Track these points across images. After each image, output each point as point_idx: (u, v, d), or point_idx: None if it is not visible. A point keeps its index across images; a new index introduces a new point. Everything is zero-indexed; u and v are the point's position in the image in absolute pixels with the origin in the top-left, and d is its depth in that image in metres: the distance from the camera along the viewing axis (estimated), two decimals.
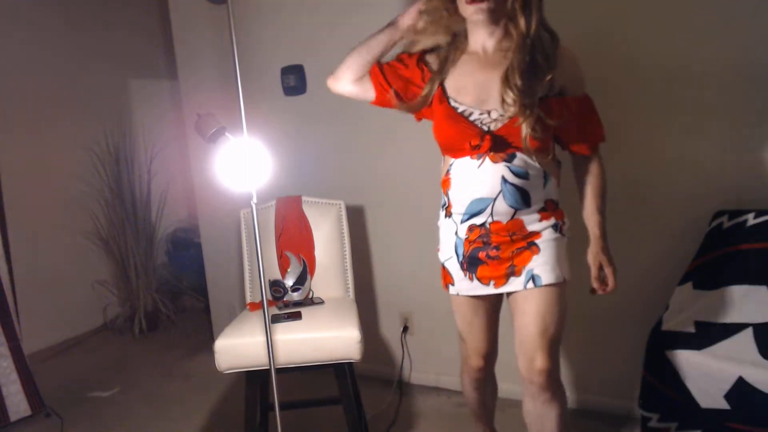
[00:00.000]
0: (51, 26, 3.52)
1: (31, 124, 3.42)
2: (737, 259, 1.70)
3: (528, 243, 1.45)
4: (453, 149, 1.45)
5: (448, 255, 1.55)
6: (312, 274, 2.21)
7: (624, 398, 2.19)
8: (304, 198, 2.32)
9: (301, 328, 1.89)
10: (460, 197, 1.45)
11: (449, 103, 1.44)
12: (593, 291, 1.53)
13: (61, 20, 3.58)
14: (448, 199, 1.51)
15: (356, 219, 2.62)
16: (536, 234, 1.45)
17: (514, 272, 1.46)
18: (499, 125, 1.39)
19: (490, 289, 1.50)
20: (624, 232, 2.12)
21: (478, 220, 1.45)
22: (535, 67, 1.36)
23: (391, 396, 2.54)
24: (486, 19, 1.37)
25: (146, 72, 4.09)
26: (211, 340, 2.50)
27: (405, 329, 2.65)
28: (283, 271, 2.18)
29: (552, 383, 1.47)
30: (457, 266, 1.53)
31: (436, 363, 2.61)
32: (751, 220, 1.75)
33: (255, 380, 1.87)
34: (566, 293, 1.49)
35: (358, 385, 2.14)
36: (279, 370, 1.77)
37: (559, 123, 1.38)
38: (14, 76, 3.33)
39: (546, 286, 1.44)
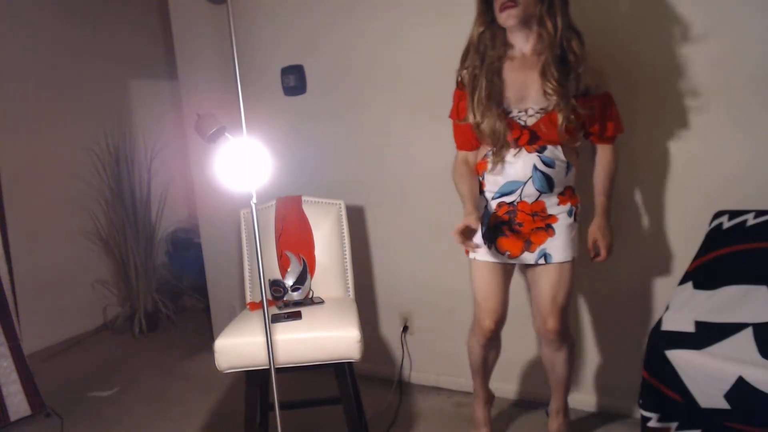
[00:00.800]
0: (51, 26, 3.52)
1: (31, 124, 3.42)
2: (737, 259, 1.69)
3: (546, 225, 1.74)
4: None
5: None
6: (312, 274, 2.21)
7: (624, 398, 2.19)
8: (304, 198, 2.32)
9: (301, 328, 1.89)
10: (496, 178, 1.74)
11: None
12: (592, 259, 1.86)
13: (61, 20, 3.58)
14: (483, 179, 1.80)
15: (356, 219, 2.62)
16: (553, 217, 1.74)
17: (529, 248, 1.76)
18: (534, 121, 1.67)
19: (505, 259, 1.80)
20: (624, 231, 2.12)
21: (508, 199, 1.75)
22: (566, 63, 1.58)
23: (391, 396, 2.54)
24: (517, 23, 1.59)
25: (146, 72, 4.09)
26: (211, 340, 2.50)
27: (405, 329, 2.65)
28: (283, 271, 2.18)
29: (560, 338, 1.82)
30: (480, 235, 1.72)
31: (436, 363, 2.61)
32: (751, 220, 1.75)
33: (255, 380, 1.87)
34: (575, 268, 1.80)
35: (358, 385, 2.14)
36: (279, 370, 1.77)
37: (589, 114, 1.65)
38: (14, 76, 3.33)
39: (557, 263, 1.75)
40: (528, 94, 1.66)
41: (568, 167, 1.73)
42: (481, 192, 1.80)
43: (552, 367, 1.93)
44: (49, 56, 3.50)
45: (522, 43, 1.66)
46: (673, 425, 1.56)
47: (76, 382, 2.99)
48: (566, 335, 1.85)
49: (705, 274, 1.71)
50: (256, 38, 2.72)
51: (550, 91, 1.57)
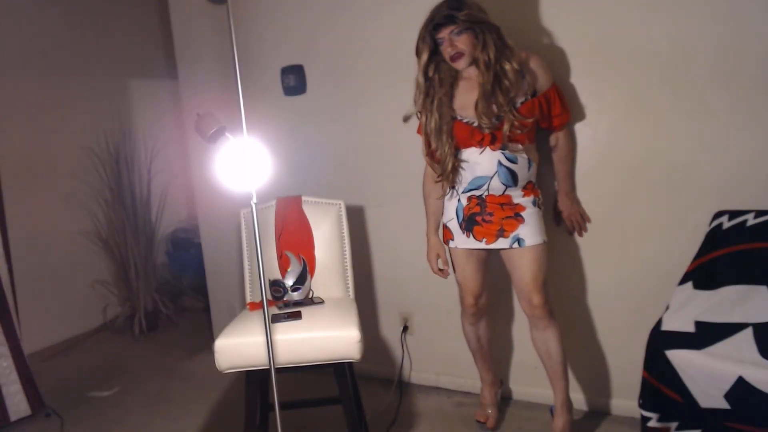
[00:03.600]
0: (51, 26, 3.52)
1: (31, 123, 3.42)
2: (737, 259, 1.69)
3: (515, 213, 1.94)
4: (463, 143, 1.94)
5: (450, 217, 2.05)
6: (312, 274, 2.21)
7: (624, 398, 2.19)
8: (304, 198, 2.32)
9: (301, 328, 1.89)
10: (466, 175, 1.96)
11: (458, 118, 1.94)
12: (571, 233, 2.18)
13: (61, 20, 3.58)
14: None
15: (356, 219, 2.63)
16: (520, 207, 1.94)
17: (503, 234, 1.96)
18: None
19: (482, 245, 2.00)
20: (624, 231, 2.12)
21: (477, 192, 1.96)
22: (502, 89, 1.83)
23: (391, 396, 2.54)
24: (466, 66, 1.88)
25: (146, 72, 4.10)
26: (211, 340, 2.50)
27: (405, 329, 2.65)
28: (283, 271, 2.18)
29: (547, 313, 1.98)
30: (457, 226, 2.03)
31: (436, 363, 2.61)
32: (751, 220, 1.75)
33: (255, 380, 1.87)
34: (547, 250, 1.99)
35: (358, 385, 2.14)
36: (279, 370, 1.77)
37: (534, 119, 1.90)
38: (14, 75, 3.33)
39: (530, 246, 1.94)
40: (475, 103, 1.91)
41: (530, 163, 1.94)
42: (452, 187, 2.02)
43: (546, 351, 2.02)
44: (49, 56, 3.50)
45: (469, 70, 1.92)
46: (673, 425, 1.56)
47: (76, 382, 3.00)
48: (551, 311, 2.00)
49: (705, 274, 1.71)
50: (256, 38, 2.72)
51: (483, 124, 1.86)
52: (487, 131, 1.87)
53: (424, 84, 1.92)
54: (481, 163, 1.92)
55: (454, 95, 1.94)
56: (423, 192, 2.18)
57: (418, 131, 2.06)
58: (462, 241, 2.04)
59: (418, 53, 1.92)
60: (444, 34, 1.83)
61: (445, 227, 2.09)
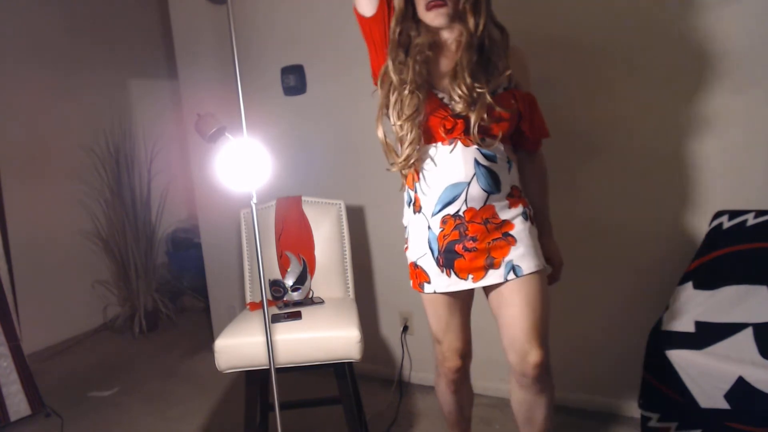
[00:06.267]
0: (51, 26, 3.52)
1: (31, 123, 3.42)
2: (737, 259, 1.69)
3: (503, 234, 1.45)
4: (428, 133, 1.47)
5: (422, 252, 1.52)
6: (312, 274, 2.21)
7: (624, 398, 2.19)
8: (304, 198, 2.32)
9: (301, 328, 1.89)
10: (434, 184, 1.45)
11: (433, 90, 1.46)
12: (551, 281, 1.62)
13: (61, 20, 3.59)
14: (416, 195, 1.52)
15: (356, 219, 2.62)
16: (509, 224, 1.46)
17: (492, 264, 1.45)
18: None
19: (469, 284, 1.47)
20: (624, 232, 2.12)
21: (451, 209, 1.44)
22: (486, 65, 1.42)
23: (391, 396, 2.54)
24: (446, 23, 1.43)
25: (146, 72, 4.10)
26: (211, 340, 2.50)
27: (405, 329, 2.65)
28: (283, 271, 2.18)
29: (545, 375, 1.47)
30: (433, 263, 1.50)
31: None
32: (751, 220, 1.75)
33: (255, 380, 1.87)
34: (546, 281, 1.52)
35: (358, 385, 2.14)
36: (279, 370, 1.77)
37: (512, 115, 1.44)
38: (14, 75, 3.33)
39: (528, 275, 1.44)
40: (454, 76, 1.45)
41: (509, 162, 1.48)
42: (418, 211, 1.52)
43: (529, 419, 1.55)
44: (49, 56, 3.50)
45: (446, 34, 1.48)
46: (673, 425, 1.57)
47: (76, 382, 2.99)
48: (550, 372, 1.50)
49: (705, 274, 1.71)
50: (256, 38, 2.72)
51: (456, 98, 1.39)
52: (460, 111, 1.40)
53: (397, 35, 1.45)
54: (452, 164, 1.43)
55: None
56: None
57: (375, 81, 1.56)
58: (442, 284, 1.50)
59: None
60: None
61: (416, 267, 1.56)
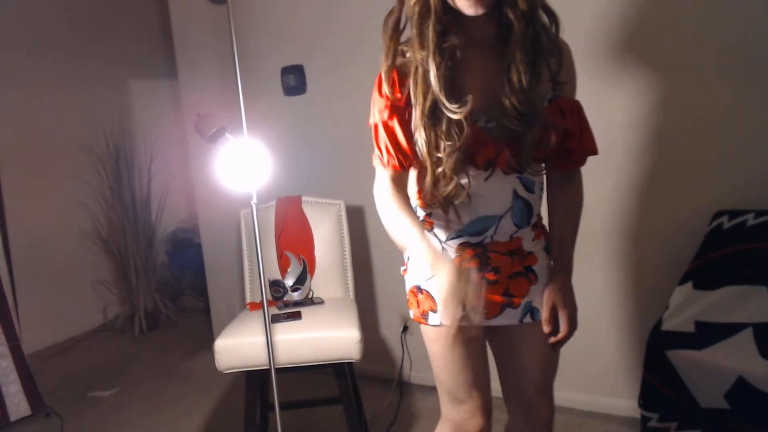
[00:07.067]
0: (51, 26, 3.52)
1: (31, 123, 3.42)
2: (737, 259, 1.69)
3: (525, 267, 1.23)
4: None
5: (430, 274, 1.21)
6: (312, 274, 2.21)
7: (624, 398, 2.19)
8: (304, 198, 2.32)
9: (301, 328, 1.89)
10: (461, 215, 1.18)
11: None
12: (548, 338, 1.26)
13: (61, 20, 3.59)
14: (427, 214, 1.25)
15: (356, 219, 2.62)
16: (533, 257, 1.24)
17: (512, 303, 1.22)
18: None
19: (482, 320, 1.18)
20: (624, 232, 2.12)
21: (474, 240, 1.20)
22: (536, 66, 1.07)
23: (391, 396, 2.54)
24: (486, 9, 1.04)
25: (146, 72, 4.10)
26: (211, 340, 2.50)
27: (405, 329, 2.65)
28: (283, 271, 2.18)
29: (552, 426, 1.31)
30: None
31: None
32: (751, 220, 1.75)
33: (255, 380, 1.87)
34: None
35: (358, 385, 2.14)
36: (279, 370, 1.77)
37: (561, 128, 1.15)
38: (14, 75, 3.33)
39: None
40: (494, 89, 1.10)
41: (542, 189, 1.26)
42: (430, 229, 1.25)
43: None
44: (48, 56, 3.50)
45: (481, 26, 1.10)
46: (673, 425, 1.56)
47: (76, 382, 2.99)
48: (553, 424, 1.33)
49: (705, 274, 1.71)
50: (256, 38, 2.72)
51: (511, 117, 1.07)
52: (500, 133, 1.10)
53: (434, 12, 1.06)
54: (487, 195, 1.17)
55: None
56: (385, 211, 1.26)
57: (375, 97, 1.20)
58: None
59: None
60: None
61: (419, 292, 1.28)
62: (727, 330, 1.51)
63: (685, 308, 1.64)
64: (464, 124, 1.07)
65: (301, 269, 2.16)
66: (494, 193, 1.17)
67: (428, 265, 1.17)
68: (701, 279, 1.71)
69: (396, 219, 1.23)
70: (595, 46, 2.04)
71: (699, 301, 1.65)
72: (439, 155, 1.10)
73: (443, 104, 1.07)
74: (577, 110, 1.19)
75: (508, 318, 1.23)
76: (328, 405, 2.19)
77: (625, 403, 2.19)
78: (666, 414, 1.57)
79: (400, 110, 1.16)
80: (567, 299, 1.24)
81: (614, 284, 2.17)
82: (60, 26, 3.58)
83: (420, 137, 1.11)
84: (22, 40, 3.38)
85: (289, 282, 2.13)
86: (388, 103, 1.16)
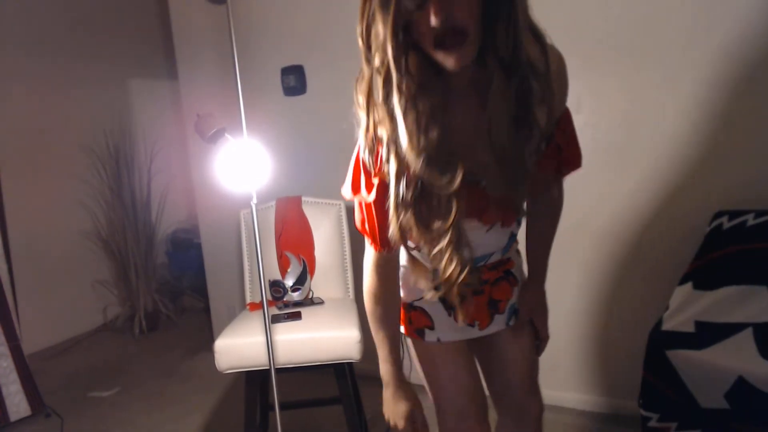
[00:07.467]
0: (51, 26, 3.53)
1: (31, 123, 3.42)
2: (737, 259, 1.69)
3: (505, 272, 1.23)
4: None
5: (421, 292, 1.16)
6: (312, 274, 2.21)
7: (624, 398, 2.19)
8: (304, 198, 2.32)
9: (301, 328, 1.89)
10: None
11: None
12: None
13: (61, 20, 3.59)
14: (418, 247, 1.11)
15: None
16: (510, 262, 1.24)
17: (498, 309, 1.23)
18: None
19: (475, 332, 1.22)
20: (624, 232, 2.12)
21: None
22: (525, 116, 0.91)
23: None
24: (467, 61, 0.87)
25: (146, 72, 4.10)
26: (211, 340, 2.50)
27: None
28: (283, 271, 2.18)
29: (541, 425, 1.32)
30: (439, 305, 1.20)
31: None
32: (751, 220, 1.75)
33: (255, 380, 1.87)
34: None
35: (358, 385, 2.14)
36: (279, 370, 1.77)
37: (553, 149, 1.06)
38: (14, 75, 3.33)
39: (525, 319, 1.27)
40: (480, 142, 0.95)
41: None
42: (418, 250, 1.15)
43: None
44: (48, 56, 3.50)
45: (461, 72, 0.89)
46: (673, 425, 1.56)
47: (76, 382, 3.00)
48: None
49: (705, 275, 1.71)
50: (256, 38, 2.72)
51: (497, 169, 0.94)
52: (494, 191, 1.00)
53: (396, 75, 0.89)
54: (485, 242, 1.14)
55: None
56: (367, 300, 1.18)
57: (356, 172, 1.13)
58: (448, 331, 1.22)
59: (368, 24, 0.91)
60: None
61: (411, 310, 1.25)
62: (727, 330, 1.51)
63: (685, 308, 1.64)
64: (453, 201, 0.93)
65: (301, 269, 2.16)
66: (492, 240, 1.14)
67: (385, 394, 1.20)
68: (701, 279, 1.71)
69: (375, 325, 1.19)
70: (595, 45, 2.04)
71: (699, 301, 1.64)
72: (432, 234, 0.96)
73: (429, 183, 0.91)
74: (567, 122, 1.07)
75: (498, 324, 1.24)
76: (328, 405, 2.18)
77: (624, 402, 2.20)
78: (666, 414, 1.57)
79: (386, 187, 0.98)
80: (544, 308, 1.29)
81: (614, 284, 2.17)
82: (60, 26, 3.58)
83: (403, 220, 0.95)
84: (22, 40, 3.38)
85: (289, 282, 2.13)
86: (372, 181, 1.05)
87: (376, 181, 1.03)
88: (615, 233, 2.14)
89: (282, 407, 1.73)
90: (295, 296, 2.12)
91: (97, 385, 2.92)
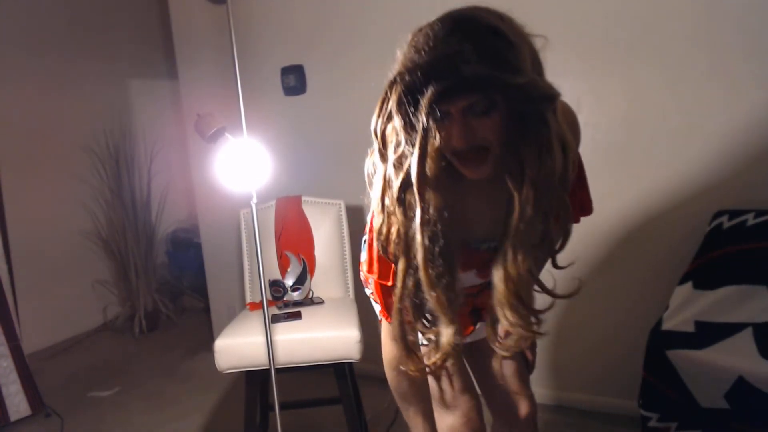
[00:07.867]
0: (51, 26, 3.52)
1: (30, 123, 3.42)
2: (737, 259, 1.69)
3: (488, 282, 1.14)
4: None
5: None
6: (312, 274, 2.21)
7: (624, 398, 2.19)
8: (304, 198, 2.32)
9: (301, 328, 1.89)
10: None
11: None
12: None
13: (61, 20, 3.59)
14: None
15: (356, 219, 2.62)
16: None
17: (480, 317, 1.24)
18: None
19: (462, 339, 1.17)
20: (624, 232, 2.12)
21: None
22: (546, 227, 0.96)
23: (391, 396, 2.53)
24: (487, 173, 0.92)
25: (146, 72, 4.10)
26: (211, 340, 2.50)
27: None
28: (283, 271, 2.18)
29: (536, 424, 1.34)
30: None
31: None
32: (751, 220, 1.75)
33: (255, 380, 1.87)
34: None
35: (358, 385, 2.14)
36: (279, 370, 1.77)
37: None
38: (13, 75, 3.33)
39: None
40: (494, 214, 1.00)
41: None
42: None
43: None
44: (49, 56, 3.50)
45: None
46: (673, 425, 1.56)
47: (76, 382, 2.99)
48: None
49: (705, 274, 1.71)
50: (256, 38, 2.72)
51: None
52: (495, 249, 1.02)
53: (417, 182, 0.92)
54: (477, 282, 1.19)
55: None
56: (395, 381, 1.27)
57: (370, 254, 1.19)
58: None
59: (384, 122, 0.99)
60: (452, 106, 0.86)
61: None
62: (727, 330, 1.51)
63: (685, 308, 1.64)
64: (456, 292, 0.97)
65: (301, 269, 2.16)
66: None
67: None
68: (701, 279, 1.71)
69: (402, 404, 1.27)
70: (595, 45, 2.04)
71: (699, 301, 1.64)
72: (427, 327, 1.01)
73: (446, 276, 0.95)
74: (580, 168, 1.09)
75: (480, 332, 1.23)
76: (328, 405, 2.18)
77: (624, 403, 2.19)
78: (666, 414, 1.57)
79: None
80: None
81: (614, 284, 2.17)
82: (60, 26, 3.58)
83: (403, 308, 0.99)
84: (22, 40, 3.38)
85: (289, 282, 2.13)
86: (388, 273, 1.08)
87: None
88: (615, 233, 2.14)
89: (282, 407, 1.73)
90: (295, 296, 2.12)
91: (96, 385, 2.92)
